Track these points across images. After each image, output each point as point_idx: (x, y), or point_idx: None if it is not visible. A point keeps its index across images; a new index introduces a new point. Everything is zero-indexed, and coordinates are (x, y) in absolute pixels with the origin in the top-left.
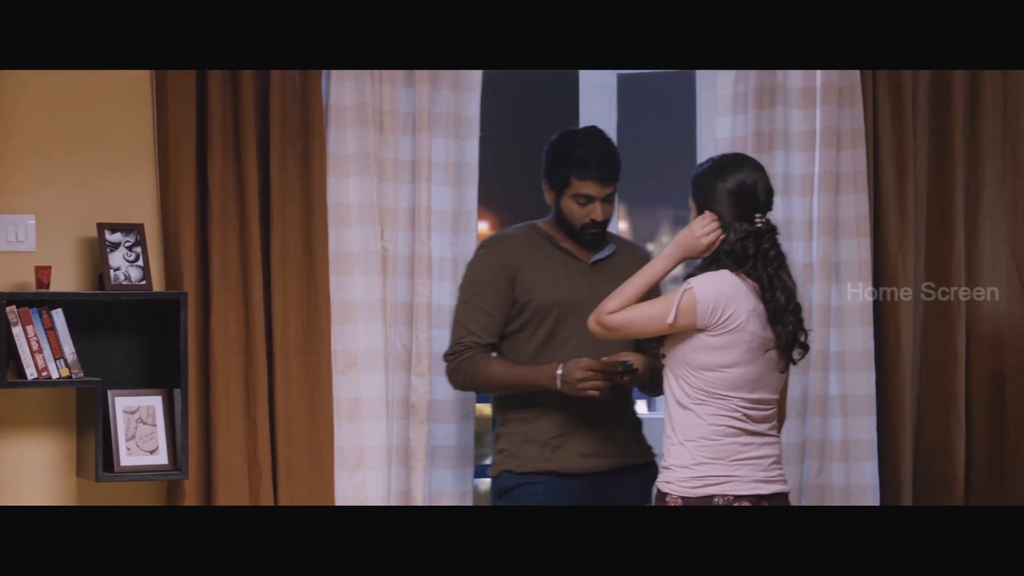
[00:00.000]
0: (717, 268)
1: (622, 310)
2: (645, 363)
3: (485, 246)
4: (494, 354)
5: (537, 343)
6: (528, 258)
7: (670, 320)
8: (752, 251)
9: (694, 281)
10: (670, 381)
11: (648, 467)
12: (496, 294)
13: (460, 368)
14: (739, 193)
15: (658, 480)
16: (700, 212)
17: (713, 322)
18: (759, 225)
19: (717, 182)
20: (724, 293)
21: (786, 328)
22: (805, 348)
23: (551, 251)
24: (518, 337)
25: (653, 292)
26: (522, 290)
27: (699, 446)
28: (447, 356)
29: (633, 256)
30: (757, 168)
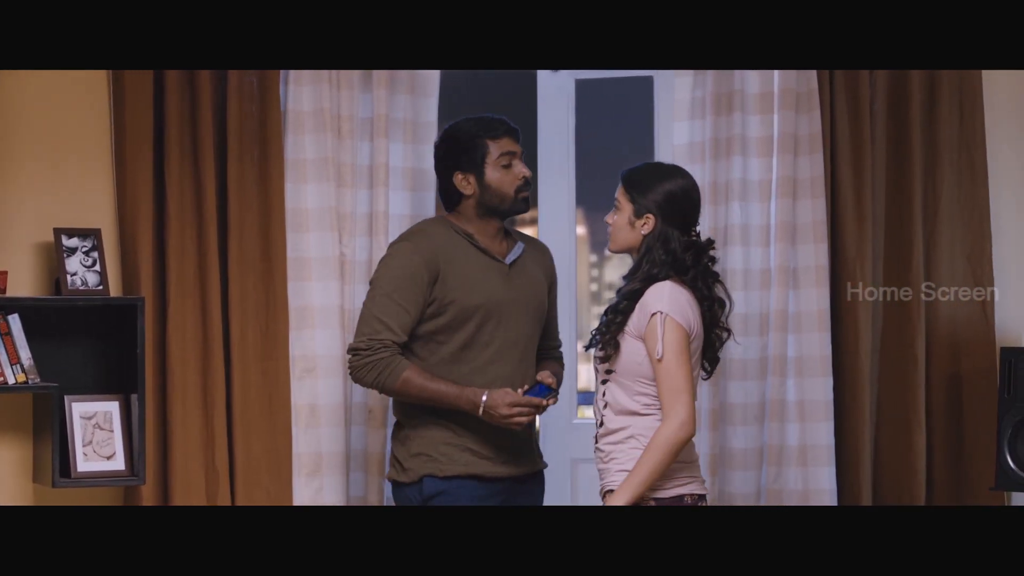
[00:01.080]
0: (661, 276)
1: (676, 402)
2: (560, 377)
3: (408, 240)
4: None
5: (456, 346)
6: (451, 258)
7: (663, 357)
8: (691, 263)
9: (663, 305)
10: (616, 393)
11: (541, 473)
12: (418, 292)
13: (374, 367)
14: (681, 199)
15: (611, 485)
16: (637, 212)
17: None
18: (698, 238)
19: (663, 181)
20: (688, 310)
21: (720, 339)
22: (716, 362)
23: (471, 251)
24: (434, 339)
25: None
26: (444, 291)
27: None
28: (357, 350)
29: (537, 252)
30: (693, 180)
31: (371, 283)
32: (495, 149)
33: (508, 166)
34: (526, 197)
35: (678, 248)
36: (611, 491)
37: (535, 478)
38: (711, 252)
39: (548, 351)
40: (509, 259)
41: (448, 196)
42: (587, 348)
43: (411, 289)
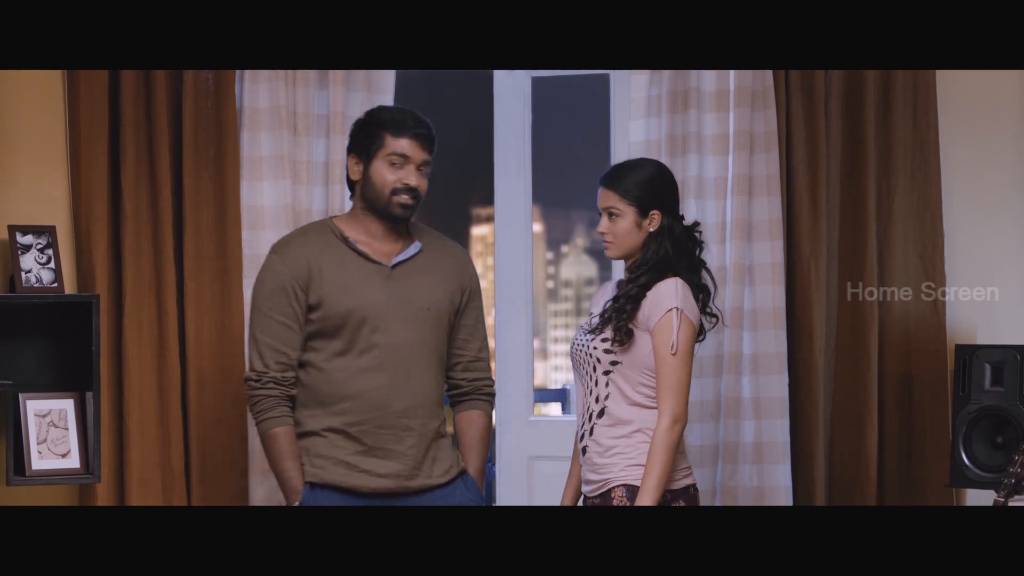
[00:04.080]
0: (671, 271)
1: (677, 399)
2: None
3: (275, 252)
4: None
5: (332, 353)
6: (321, 262)
7: (677, 351)
8: (689, 248)
9: (678, 302)
10: (621, 384)
11: (451, 483)
12: (295, 303)
13: (256, 404)
14: (670, 186)
15: (623, 480)
16: (642, 212)
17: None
18: (686, 222)
19: (649, 175)
20: (696, 307)
21: (707, 324)
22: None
23: (345, 254)
24: (310, 346)
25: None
26: (315, 297)
27: None
28: (248, 380)
29: (444, 255)
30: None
31: (250, 302)
32: (391, 145)
33: (397, 167)
34: (404, 204)
35: (681, 236)
36: (623, 485)
37: (436, 491)
38: (697, 235)
39: (471, 376)
40: (395, 260)
41: (348, 182)
42: (591, 336)
43: (286, 303)
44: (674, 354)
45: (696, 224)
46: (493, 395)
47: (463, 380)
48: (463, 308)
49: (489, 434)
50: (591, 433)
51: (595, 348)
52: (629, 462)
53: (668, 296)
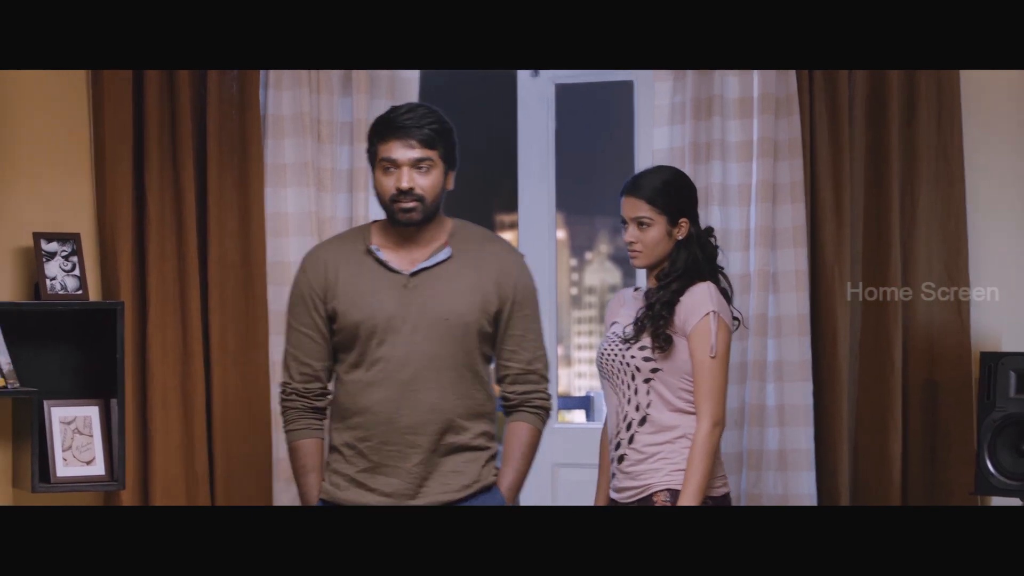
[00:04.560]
0: (700, 277)
1: (716, 402)
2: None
3: (303, 262)
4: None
5: (348, 365)
6: (339, 271)
7: (717, 354)
8: (712, 254)
9: (714, 305)
10: (662, 391)
11: (476, 495)
12: (316, 314)
13: (284, 413)
14: (692, 192)
15: (666, 484)
16: (672, 221)
17: None
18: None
19: (673, 182)
20: (728, 308)
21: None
22: None
23: (363, 261)
24: (338, 358)
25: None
26: (331, 308)
27: None
28: (281, 391)
29: (484, 261)
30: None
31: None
32: (381, 151)
33: (390, 172)
34: (404, 208)
35: (705, 241)
36: (667, 490)
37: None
38: (713, 241)
39: (520, 388)
40: (415, 268)
41: None
42: (625, 345)
43: (307, 313)
44: (713, 357)
45: (711, 229)
46: (545, 408)
47: (512, 393)
48: (507, 317)
49: (533, 448)
50: (631, 441)
51: (633, 357)
52: (673, 467)
53: (704, 300)
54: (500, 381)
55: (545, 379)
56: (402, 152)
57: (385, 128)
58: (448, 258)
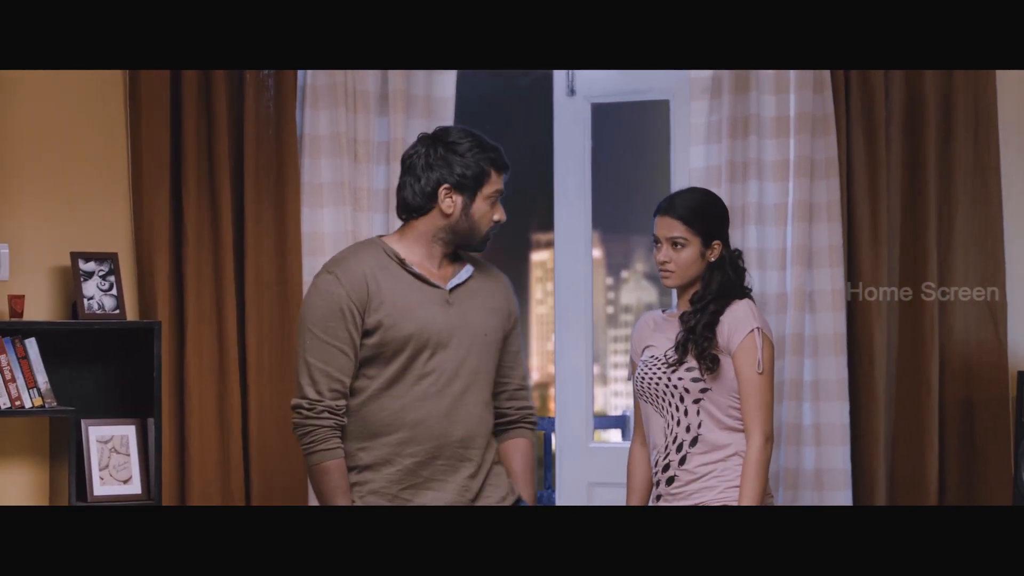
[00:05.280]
0: (738, 295)
1: (766, 417)
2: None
3: (330, 271)
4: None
5: (385, 380)
6: (380, 284)
7: (764, 370)
8: (742, 273)
9: (758, 322)
10: (712, 410)
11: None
12: (352, 327)
13: (309, 434)
14: (725, 215)
15: (722, 501)
16: (706, 242)
17: None
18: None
19: (708, 205)
20: (769, 325)
21: None
22: None
23: (402, 276)
24: (363, 373)
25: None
26: (373, 320)
27: None
28: (300, 408)
29: (491, 280)
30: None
31: (299, 324)
32: (495, 183)
33: (494, 202)
34: (491, 237)
35: (737, 263)
36: (723, 507)
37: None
38: (741, 264)
39: (517, 404)
40: (451, 284)
41: (413, 204)
42: (670, 368)
43: (344, 327)
44: (761, 373)
45: (739, 252)
46: (536, 424)
47: (510, 408)
48: (509, 335)
49: (534, 463)
50: (682, 462)
51: (680, 379)
52: (728, 484)
53: (747, 317)
54: (497, 396)
55: (531, 396)
56: (503, 187)
57: (501, 160)
58: (471, 276)
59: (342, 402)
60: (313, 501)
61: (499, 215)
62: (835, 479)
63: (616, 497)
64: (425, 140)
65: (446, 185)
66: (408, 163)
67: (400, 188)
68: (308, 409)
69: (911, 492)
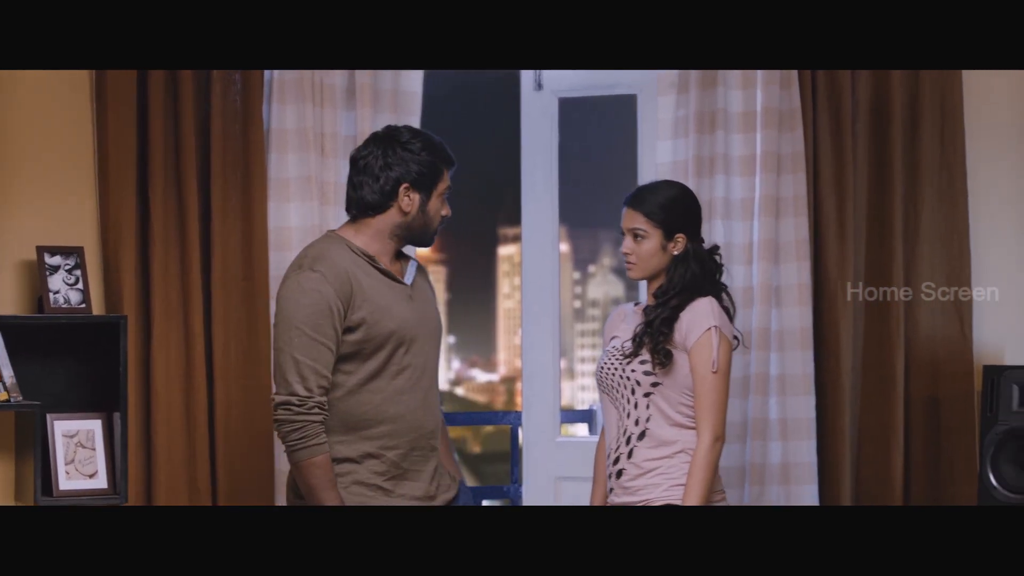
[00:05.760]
0: (700, 293)
1: (717, 417)
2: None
3: (314, 270)
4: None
5: (365, 375)
6: (360, 282)
7: (718, 369)
8: (712, 269)
9: (716, 321)
10: (662, 405)
11: (460, 487)
12: (338, 325)
13: (300, 429)
14: (694, 208)
15: (665, 499)
16: (668, 235)
17: None
18: (707, 244)
19: (674, 198)
20: (729, 323)
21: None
22: None
23: (372, 272)
24: (341, 369)
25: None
26: (356, 317)
27: None
28: (289, 405)
29: (420, 271)
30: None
31: (280, 320)
32: (447, 179)
33: (445, 198)
34: (436, 234)
35: (705, 258)
36: (666, 505)
37: (452, 503)
38: (718, 259)
39: None
40: (408, 279)
41: (371, 202)
42: (626, 360)
43: (330, 324)
44: (715, 372)
45: (716, 247)
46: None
47: None
48: None
49: None
50: (630, 456)
51: (633, 371)
52: (672, 482)
53: (706, 315)
54: None
55: None
56: (449, 180)
57: (450, 158)
58: (417, 269)
59: (326, 398)
60: (279, 496)
61: (447, 211)
62: (801, 473)
63: (583, 490)
64: (378, 140)
65: (406, 184)
66: (363, 163)
67: (357, 187)
68: (299, 405)
69: (877, 487)
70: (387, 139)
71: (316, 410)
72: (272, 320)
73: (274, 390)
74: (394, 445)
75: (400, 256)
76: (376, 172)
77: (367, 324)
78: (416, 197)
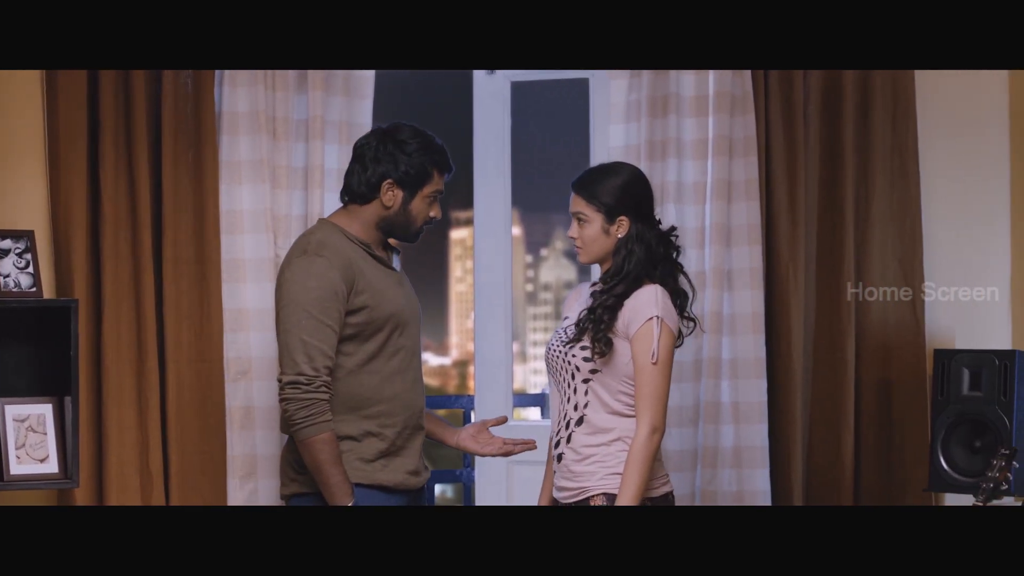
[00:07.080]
0: (648, 279)
1: (656, 408)
2: None
3: (321, 256)
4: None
5: (363, 358)
6: (360, 268)
7: (658, 360)
8: (664, 254)
9: (659, 310)
10: (600, 392)
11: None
12: (342, 306)
13: (309, 406)
14: (641, 191)
15: (602, 488)
16: (609, 219)
17: None
18: (663, 227)
19: (619, 180)
20: (676, 315)
21: (686, 327)
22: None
23: (370, 260)
24: (340, 350)
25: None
26: (359, 301)
27: None
28: (297, 383)
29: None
30: (637, 168)
31: (287, 303)
32: (437, 183)
33: (433, 201)
34: (421, 234)
35: (653, 241)
36: (603, 494)
37: (424, 491)
38: (674, 240)
39: None
40: (397, 266)
41: (357, 191)
42: (568, 344)
43: (335, 307)
44: (655, 363)
45: (673, 229)
46: None
47: None
48: None
49: None
50: (568, 440)
51: (573, 356)
52: (608, 471)
53: (648, 304)
54: None
55: None
56: (442, 185)
57: (445, 162)
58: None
59: (331, 377)
60: (232, 479)
61: (435, 212)
62: (753, 457)
63: (535, 475)
64: (377, 133)
65: (389, 180)
66: (359, 152)
67: (349, 174)
68: (307, 384)
69: (828, 470)
70: (385, 134)
71: (323, 389)
72: (223, 302)
73: (280, 371)
74: (391, 423)
75: (386, 246)
76: (366, 163)
77: (369, 308)
78: (399, 194)
